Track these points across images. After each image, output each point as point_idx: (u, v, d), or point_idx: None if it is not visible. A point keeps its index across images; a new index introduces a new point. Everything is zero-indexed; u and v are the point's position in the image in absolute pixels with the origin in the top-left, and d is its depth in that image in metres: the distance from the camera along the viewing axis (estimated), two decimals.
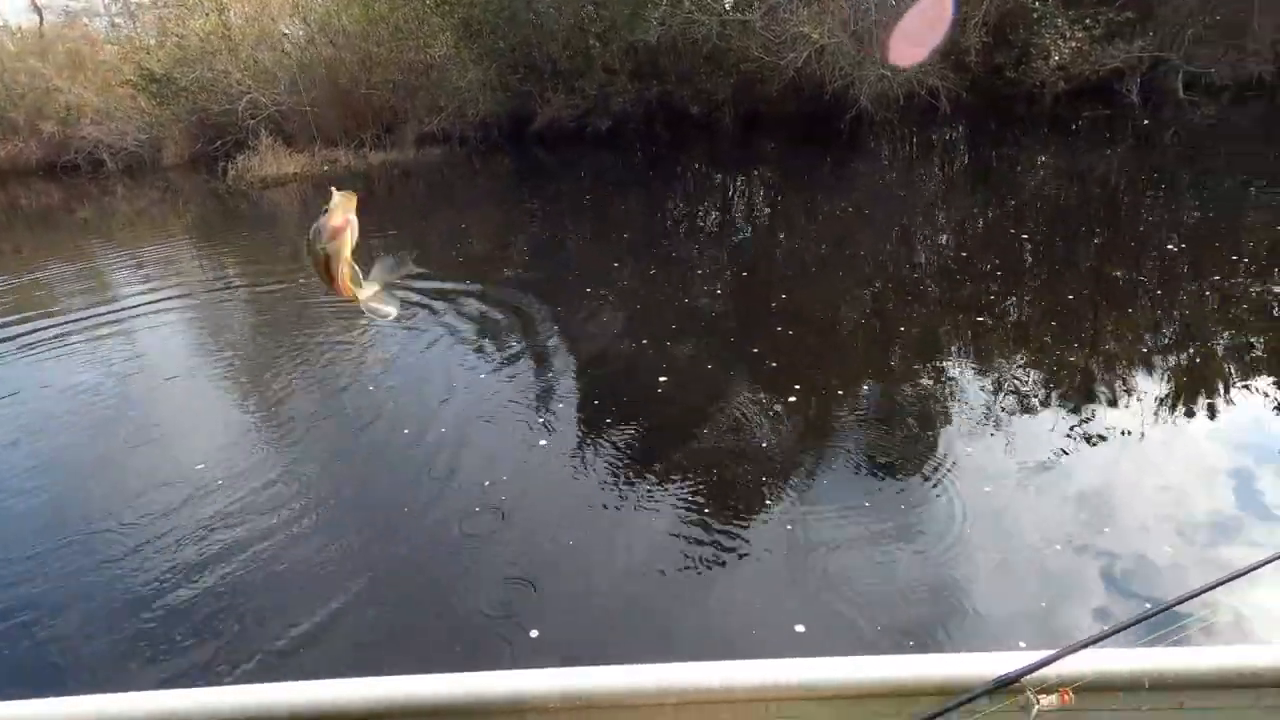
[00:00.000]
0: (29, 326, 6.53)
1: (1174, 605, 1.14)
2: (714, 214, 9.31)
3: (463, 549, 2.93)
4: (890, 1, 11.78)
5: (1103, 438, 3.30)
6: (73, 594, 2.85)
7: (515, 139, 15.45)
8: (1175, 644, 1.15)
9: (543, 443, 3.66)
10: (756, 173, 11.48)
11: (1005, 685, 0.90)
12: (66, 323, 6.54)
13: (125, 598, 2.79)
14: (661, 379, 4.24)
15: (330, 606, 2.64)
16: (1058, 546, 2.62)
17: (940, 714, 0.88)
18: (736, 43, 12.81)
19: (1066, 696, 0.93)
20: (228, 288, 7.69)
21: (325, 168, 14.22)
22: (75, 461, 4.05)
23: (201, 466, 3.70)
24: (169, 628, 2.61)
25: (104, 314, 6.71)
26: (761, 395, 3.99)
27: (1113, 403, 3.61)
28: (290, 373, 4.97)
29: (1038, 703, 0.91)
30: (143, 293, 7.40)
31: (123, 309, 6.85)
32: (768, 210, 9.45)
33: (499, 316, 5.68)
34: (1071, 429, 3.37)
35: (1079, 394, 3.73)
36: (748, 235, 8.03)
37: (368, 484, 3.53)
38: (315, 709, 0.94)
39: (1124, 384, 3.80)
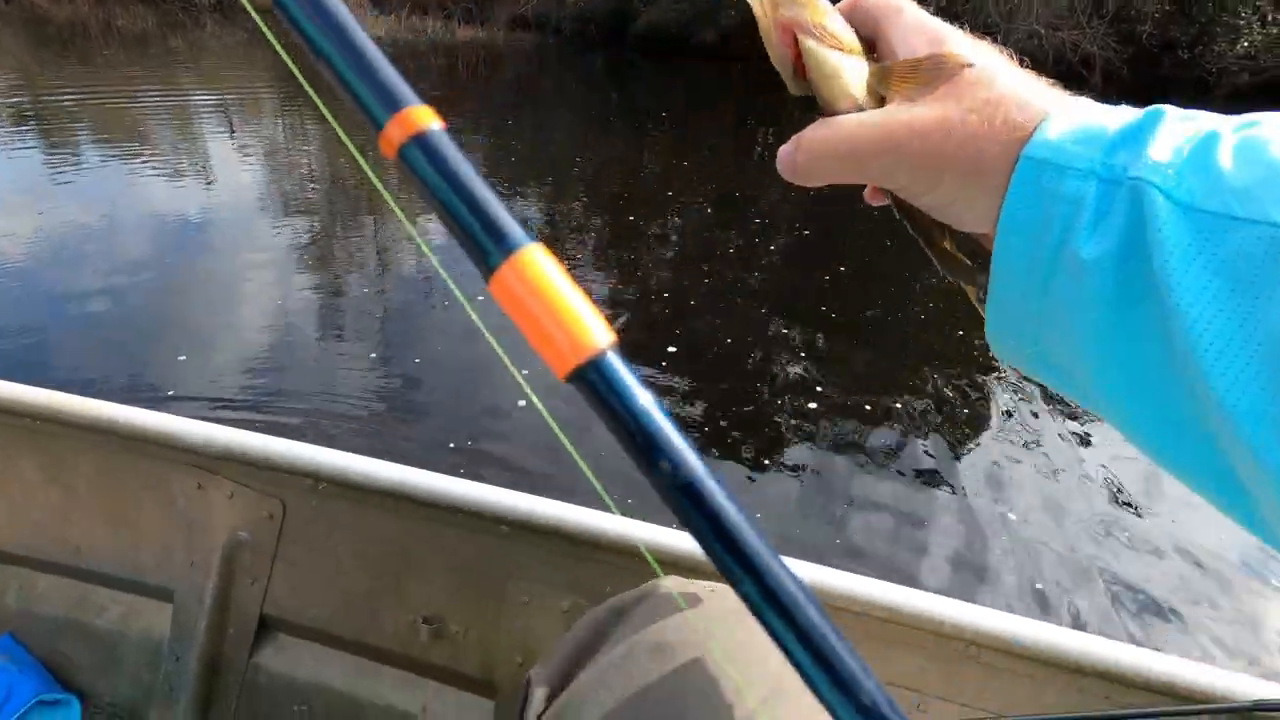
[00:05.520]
0: (117, 149, 6.35)
1: None
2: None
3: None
4: None
5: None
6: None
7: (612, 39, 14.40)
8: None
9: None
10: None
11: (1261, 709, 0.80)
12: (146, 151, 6.33)
13: None
14: (728, 340, 3.68)
15: None
16: None
17: (1173, 715, 0.84)
18: None
19: None
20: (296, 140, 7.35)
21: (410, 36, 13.57)
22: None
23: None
24: None
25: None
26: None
27: None
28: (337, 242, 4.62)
29: None
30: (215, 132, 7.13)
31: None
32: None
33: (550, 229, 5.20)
34: None
35: None
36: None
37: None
38: (345, 473, 1.01)
39: None
